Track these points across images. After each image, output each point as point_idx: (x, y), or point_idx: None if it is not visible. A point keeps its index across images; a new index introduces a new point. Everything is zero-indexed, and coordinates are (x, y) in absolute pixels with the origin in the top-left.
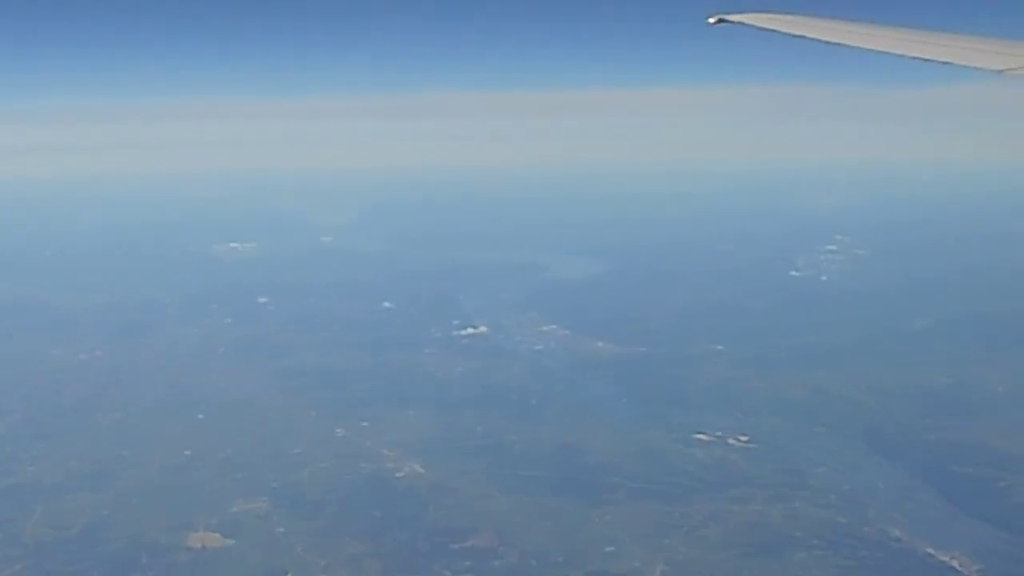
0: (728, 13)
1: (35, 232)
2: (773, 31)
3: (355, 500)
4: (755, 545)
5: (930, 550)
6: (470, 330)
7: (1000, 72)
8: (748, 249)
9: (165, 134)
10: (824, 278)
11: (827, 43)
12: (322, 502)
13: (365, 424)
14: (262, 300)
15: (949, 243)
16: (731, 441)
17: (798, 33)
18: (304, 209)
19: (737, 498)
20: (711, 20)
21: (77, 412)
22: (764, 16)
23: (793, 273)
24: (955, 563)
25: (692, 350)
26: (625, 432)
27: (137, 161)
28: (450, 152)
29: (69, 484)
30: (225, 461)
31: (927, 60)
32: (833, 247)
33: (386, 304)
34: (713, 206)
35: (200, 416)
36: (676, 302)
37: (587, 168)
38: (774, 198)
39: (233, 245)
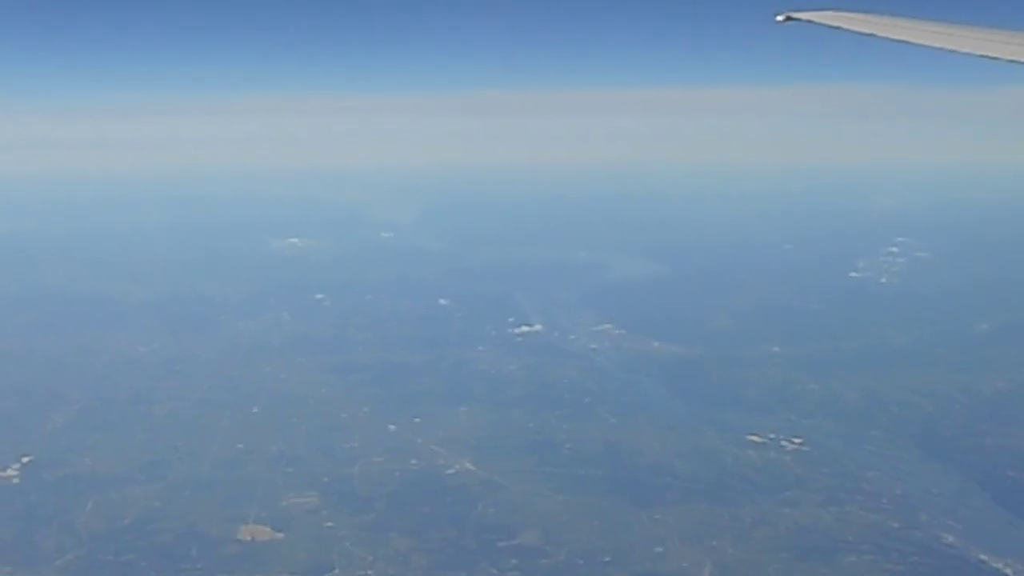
0: (796, 11)
1: (99, 227)
2: (841, 29)
3: (404, 496)
4: (804, 548)
5: (984, 556)
6: (525, 328)
7: None
8: (808, 250)
9: (231, 131)
10: (884, 280)
11: (895, 41)
12: (371, 497)
13: (418, 420)
14: (319, 296)
15: (1013, 246)
16: (784, 443)
17: (867, 31)
18: (365, 206)
19: (788, 501)
20: (779, 18)
21: (134, 404)
22: (832, 14)
23: (853, 275)
24: (1009, 571)
25: (748, 351)
26: (677, 432)
27: (203, 158)
28: (511, 151)
29: (123, 475)
30: (278, 455)
31: (996, 59)
32: (894, 249)
33: (442, 301)
34: (773, 207)
35: (255, 410)
36: (733, 303)
37: (648, 168)
38: (835, 199)
39: (292, 241)
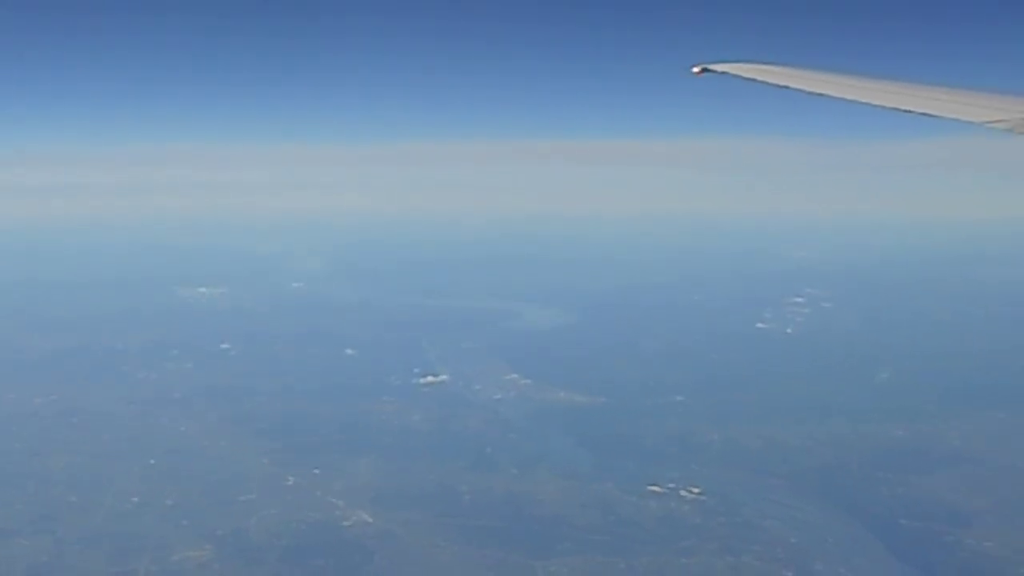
0: (712, 63)
1: (2, 279)
2: (756, 81)
3: (300, 549)
4: None
5: None
6: (430, 378)
7: (980, 124)
8: (717, 300)
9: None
10: (789, 330)
11: (810, 94)
12: (266, 550)
13: (317, 472)
14: (225, 346)
15: (918, 296)
16: (683, 493)
17: (781, 83)
18: (277, 255)
19: (684, 550)
20: (695, 69)
21: (28, 456)
22: (748, 66)
23: (759, 325)
24: None
25: (652, 400)
26: (578, 483)
27: (114, 206)
28: (428, 200)
29: (11, 528)
30: (173, 507)
31: (910, 112)
32: (800, 299)
33: (349, 351)
34: (687, 258)
35: (152, 461)
36: (641, 352)
37: (564, 218)
38: (745, 250)
39: (201, 290)
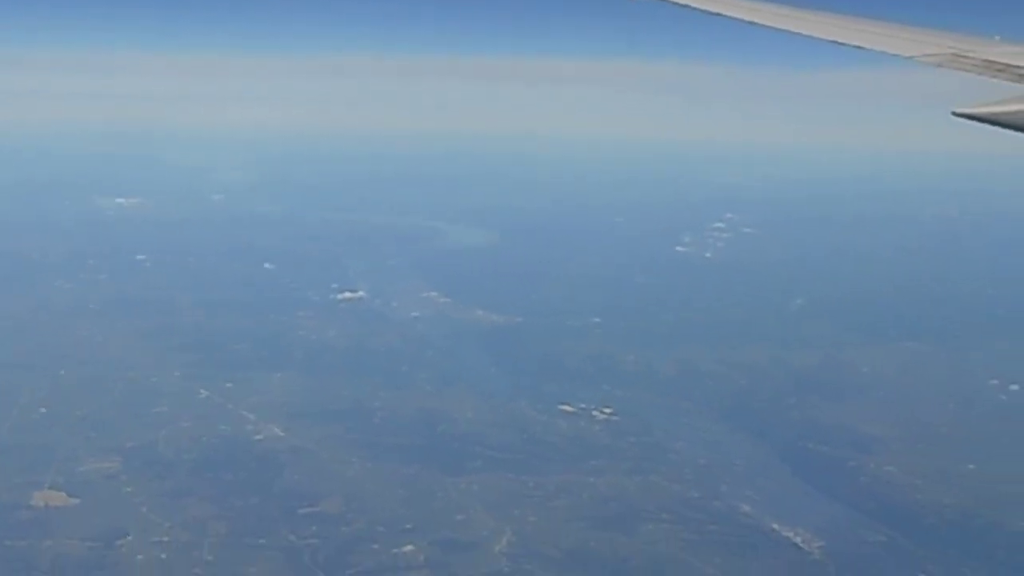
0: None
1: None
2: (689, 7)
3: (209, 462)
4: (604, 517)
5: (775, 526)
6: (348, 294)
7: (910, 59)
8: (638, 224)
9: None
10: (708, 255)
11: (739, 21)
12: (175, 463)
13: (230, 386)
14: (141, 258)
15: (839, 226)
16: (596, 413)
17: (714, 10)
18: (199, 167)
19: (593, 470)
20: None
21: None
22: None
23: (679, 249)
24: (798, 539)
25: (570, 322)
26: (491, 401)
27: (36, 113)
28: (349, 115)
29: None
30: (82, 419)
31: (839, 43)
32: (722, 225)
33: (268, 265)
34: (611, 180)
35: (62, 372)
36: (559, 273)
37: (491, 136)
38: (674, 175)
39: (119, 201)
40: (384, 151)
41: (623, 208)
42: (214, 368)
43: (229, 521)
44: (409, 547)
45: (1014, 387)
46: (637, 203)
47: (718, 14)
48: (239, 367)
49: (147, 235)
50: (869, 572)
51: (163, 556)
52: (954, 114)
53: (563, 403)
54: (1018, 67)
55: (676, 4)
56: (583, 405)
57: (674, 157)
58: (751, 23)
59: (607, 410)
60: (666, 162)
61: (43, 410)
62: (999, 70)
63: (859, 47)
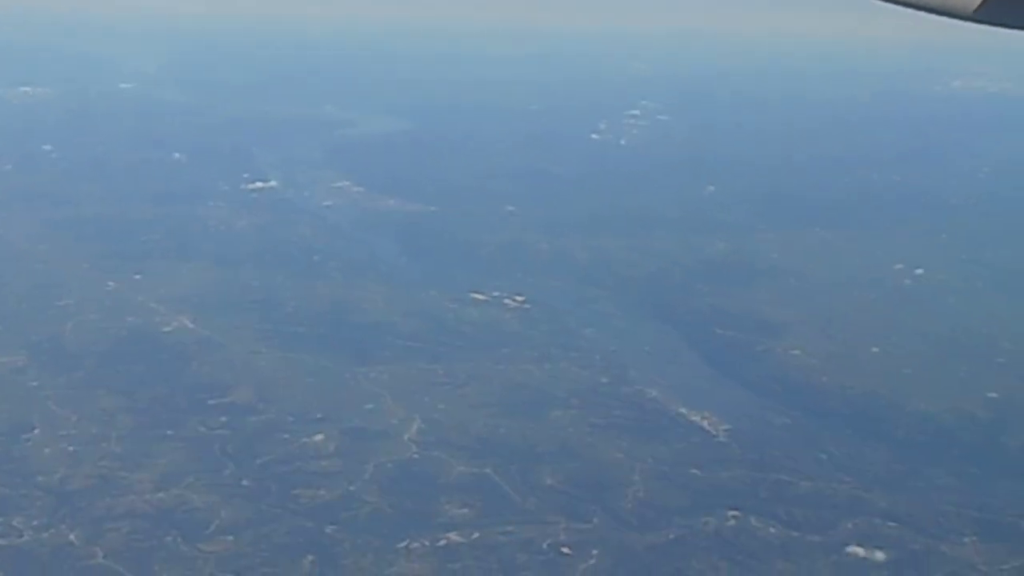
0: None
1: None
2: None
3: (117, 354)
4: (513, 404)
5: (683, 410)
6: (259, 184)
7: None
8: (554, 112)
9: None
10: (623, 142)
11: None
12: (82, 356)
13: (138, 277)
14: (47, 147)
15: (752, 112)
16: (507, 301)
17: None
18: (107, 55)
19: (503, 357)
20: None
21: None
22: None
23: (594, 137)
24: (705, 423)
25: (484, 210)
26: (403, 291)
27: None
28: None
29: None
30: None
31: None
32: (637, 112)
33: (177, 155)
34: (527, 69)
35: None
36: (474, 162)
37: (403, 25)
38: (590, 62)
39: (24, 89)
40: (297, 40)
41: (539, 97)
42: (122, 260)
43: (137, 413)
44: (319, 436)
45: (919, 271)
46: (553, 92)
47: None
48: (148, 258)
49: (53, 125)
50: (773, 453)
51: (70, 449)
52: None
53: (475, 291)
54: None
55: None
56: (495, 293)
57: (592, 45)
58: None
59: (519, 298)
60: (580, 50)
61: None
62: None
63: None
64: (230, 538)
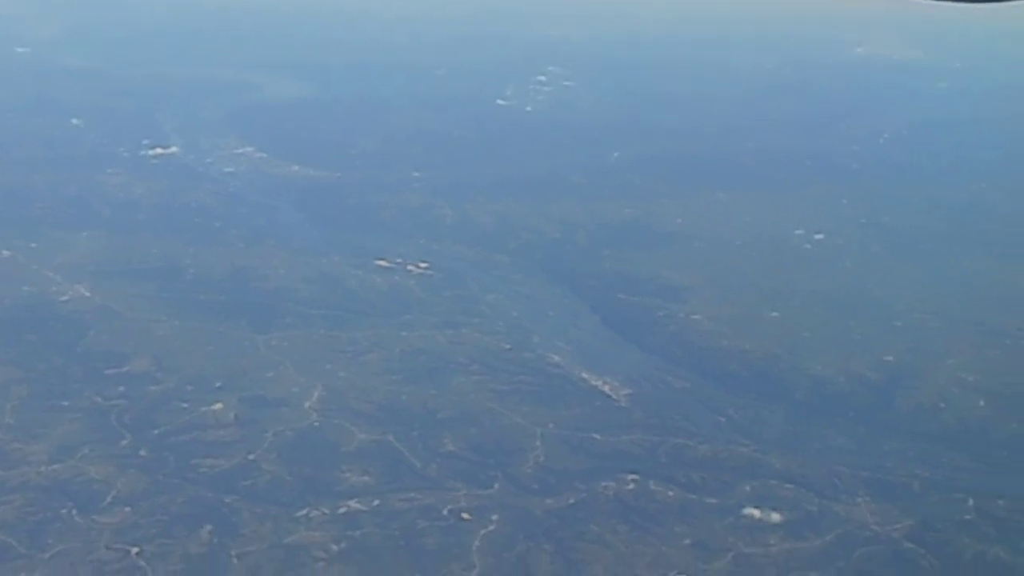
0: None
1: None
2: None
3: (9, 325)
4: (415, 371)
5: (585, 375)
6: (160, 150)
7: None
8: (460, 78)
9: None
10: (529, 108)
11: None
12: None
13: (34, 246)
14: None
15: (659, 78)
16: (411, 268)
17: None
18: (3, 17)
19: (406, 324)
20: None
21: None
22: None
23: (500, 103)
24: (606, 388)
25: (389, 176)
26: (306, 257)
27: None
28: None
29: None
30: None
31: None
32: (543, 78)
33: (75, 121)
34: (433, 31)
35: None
36: (380, 128)
37: None
38: (496, 26)
39: None
40: (198, 2)
41: (445, 63)
42: (17, 227)
43: (31, 383)
44: (218, 405)
45: (819, 236)
46: (460, 58)
47: None
48: (44, 226)
49: None
50: (673, 417)
51: None
52: None
53: (379, 258)
54: None
55: None
56: (399, 260)
57: (500, 8)
58: None
59: (423, 264)
60: (487, 15)
61: None
62: None
63: None
64: (127, 509)
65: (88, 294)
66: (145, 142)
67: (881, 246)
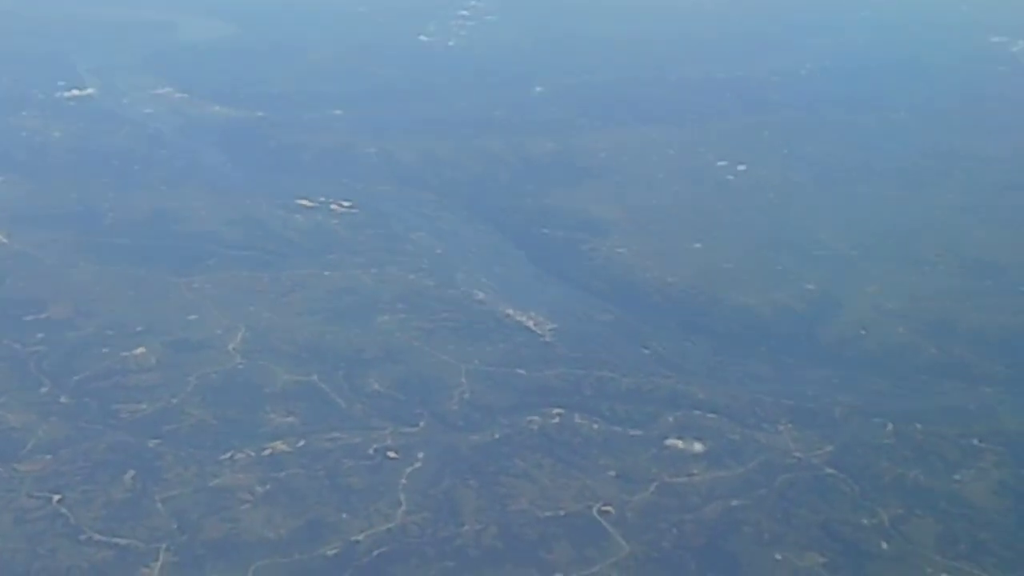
0: None
1: None
2: None
3: None
4: (340, 310)
5: (509, 311)
6: (76, 92)
7: None
8: (381, 13)
9: None
10: (451, 43)
11: None
12: None
13: None
14: None
15: (581, 13)
16: (334, 207)
17: None
18: None
19: (330, 264)
20: None
21: None
22: None
23: (422, 38)
24: (531, 323)
25: (311, 114)
26: (227, 199)
27: None
28: None
29: None
30: None
31: None
32: (465, 12)
33: None
34: None
35: None
36: (300, 66)
37: None
38: None
39: None
40: None
41: (367, 0)
42: None
43: None
44: (140, 349)
45: (741, 167)
46: None
47: None
48: None
49: None
50: (596, 351)
51: None
52: None
53: (302, 198)
54: None
55: None
56: (322, 199)
57: None
58: None
59: (346, 203)
60: None
61: None
62: None
63: None
64: (48, 457)
65: (5, 240)
66: (60, 84)
67: (802, 177)
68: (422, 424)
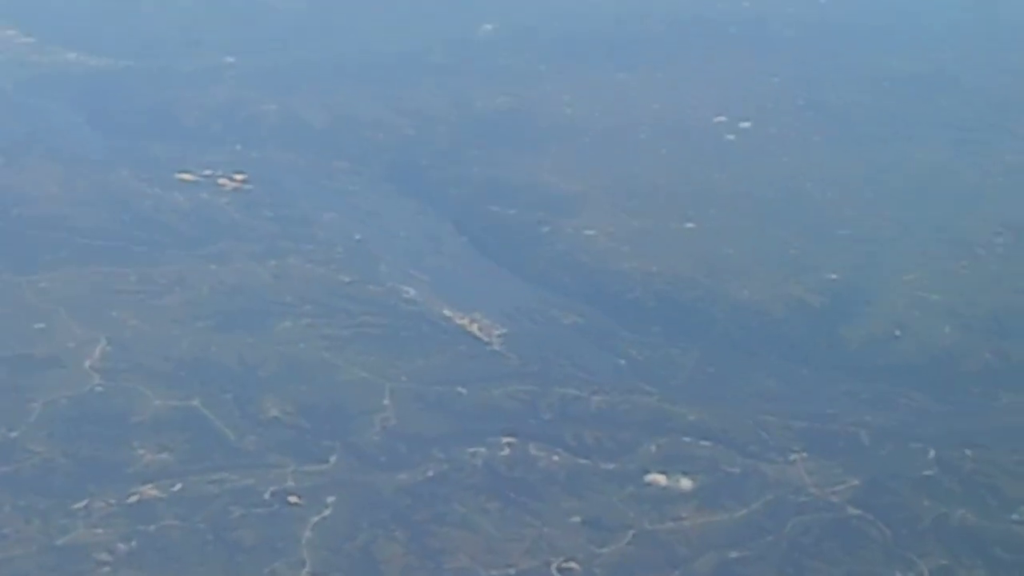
0: None
1: None
2: None
3: None
4: (229, 315)
5: (447, 312)
6: None
7: None
8: None
9: None
10: None
11: None
12: None
13: None
14: None
15: None
16: (223, 181)
17: None
18: None
19: (218, 255)
20: None
21: None
22: None
23: None
24: (475, 328)
25: (193, 64)
26: (84, 172)
27: None
28: None
29: None
30: None
31: None
32: None
33: None
34: None
35: None
36: (181, 5)
37: None
38: None
39: None
40: None
41: None
42: None
43: None
44: None
45: (745, 124)
46: None
47: None
48: None
49: None
50: (559, 362)
51: None
52: None
53: (181, 171)
54: None
55: None
56: (207, 172)
57: None
58: None
59: (238, 177)
60: None
61: None
62: None
63: None
64: None
65: None
66: None
67: (823, 135)
68: (333, 460)
